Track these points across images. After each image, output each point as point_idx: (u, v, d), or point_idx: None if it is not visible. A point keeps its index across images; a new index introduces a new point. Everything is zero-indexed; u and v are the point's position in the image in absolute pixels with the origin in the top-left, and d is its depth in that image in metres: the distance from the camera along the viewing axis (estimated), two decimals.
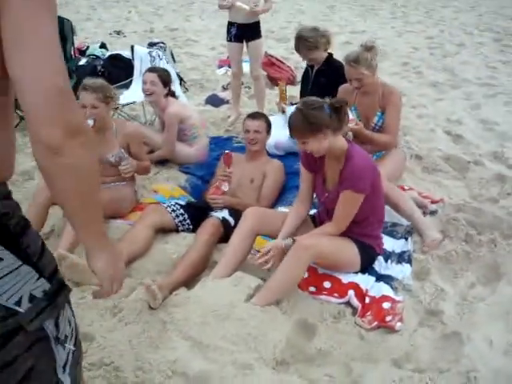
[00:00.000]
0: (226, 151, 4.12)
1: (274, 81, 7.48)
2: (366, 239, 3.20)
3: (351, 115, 3.82)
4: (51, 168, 1.19)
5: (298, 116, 3.01)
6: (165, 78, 4.78)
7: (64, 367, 1.47)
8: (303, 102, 3.11)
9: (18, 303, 1.31)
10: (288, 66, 7.95)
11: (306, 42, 4.74)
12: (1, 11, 1.08)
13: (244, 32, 5.75)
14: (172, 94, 5.00)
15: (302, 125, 2.98)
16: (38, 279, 1.33)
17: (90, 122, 3.69)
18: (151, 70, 4.90)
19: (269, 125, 4.23)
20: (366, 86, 3.99)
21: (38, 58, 1.11)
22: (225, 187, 3.87)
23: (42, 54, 1.11)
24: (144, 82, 4.80)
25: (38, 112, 1.12)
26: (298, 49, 4.88)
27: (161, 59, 6.12)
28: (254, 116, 4.28)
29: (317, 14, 14.18)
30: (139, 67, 6.32)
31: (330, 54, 4.88)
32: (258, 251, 3.38)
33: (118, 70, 7.16)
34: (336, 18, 13.94)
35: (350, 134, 3.78)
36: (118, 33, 11.61)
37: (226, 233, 3.55)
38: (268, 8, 5.81)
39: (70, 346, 1.49)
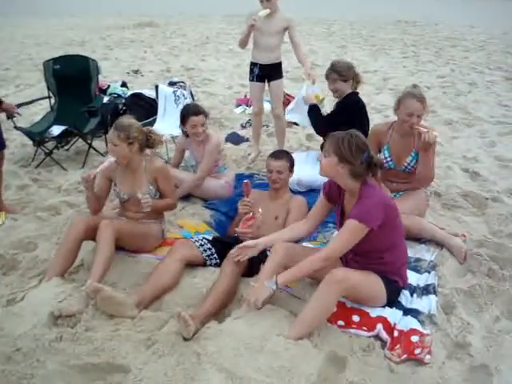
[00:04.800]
0: (245, 180, 4.18)
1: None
2: (388, 275, 3.25)
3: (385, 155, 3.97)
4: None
5: (346, 137, 3.13)
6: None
7: None
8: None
9: None
10: None
11: (338, 72, 4.88)
12: None
13: (266, 72, 5.90)
14: None
15: (342, 146, 3.11)
16: None
17: (111, 160, 3.94)
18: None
19: (291, 164, 4.28)
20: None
21: None
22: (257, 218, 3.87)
23: None
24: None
25: None
26: (327, 76, 4.98)
27: (185, 98, 6.23)
28: (276, 156, 4.29)
29: (329, 54, 14.38)
30: (163, 106, 6.49)
31: (354, 93, 5.02)
32: (287, 286, 3.45)
33: (140, 108, 7.30)
34: (348, 57, 14.06)
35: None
36: (136, 72, 11.81)
37: (250, 265, 3.63)
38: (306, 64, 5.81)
39: None
